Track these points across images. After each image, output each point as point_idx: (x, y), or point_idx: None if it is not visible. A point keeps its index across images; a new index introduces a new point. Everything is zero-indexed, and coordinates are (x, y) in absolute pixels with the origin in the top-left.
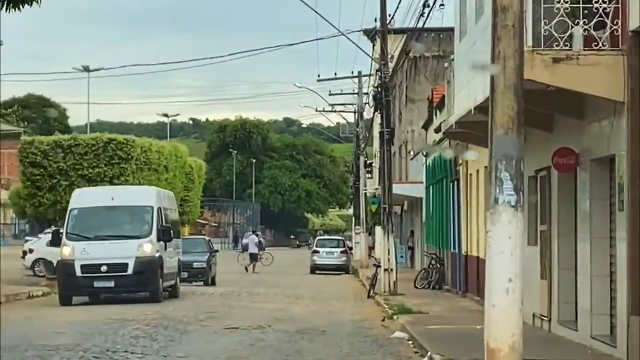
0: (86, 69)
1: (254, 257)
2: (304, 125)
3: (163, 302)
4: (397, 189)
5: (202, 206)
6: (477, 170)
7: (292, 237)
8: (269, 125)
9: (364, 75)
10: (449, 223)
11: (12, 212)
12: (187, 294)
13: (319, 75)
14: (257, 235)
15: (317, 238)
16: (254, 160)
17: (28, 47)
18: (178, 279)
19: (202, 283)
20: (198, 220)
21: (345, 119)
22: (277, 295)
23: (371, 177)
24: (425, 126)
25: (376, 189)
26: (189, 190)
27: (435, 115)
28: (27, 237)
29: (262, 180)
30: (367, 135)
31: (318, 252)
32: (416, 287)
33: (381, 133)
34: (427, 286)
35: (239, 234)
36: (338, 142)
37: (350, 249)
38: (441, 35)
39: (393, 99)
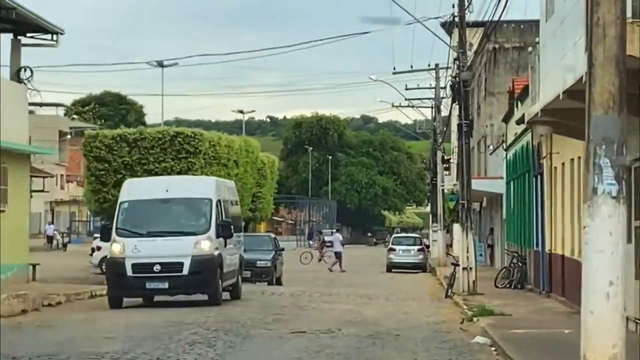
0: (160, 64)
1: (338, 256)
2: (380, 122)
3: (227, 303)
4: (476, 184)
5: (277, 203)
6: (563, 164)
7: (368, 234)
8: (345, 122)
9: (442, 68)
10: (532, 220)
11: (87, 209)
12: (255, 293)
13: (394, 68)
14: (338, 232)
15: (394, 236)
16: (330, 157)
17: (107, 43)
18: (240, 278)
19: (266, 283)
20: (274, 218)
21: (422, 113)
22: (350, 295)
23: (449, 174)
24: (506, 119)
25: (454, 185)
26: (261, 186)
27: (517, 106)
28: (95, 235)
29: (339, 178)
30: (445, 129)
31: (394, 250)
32: (497, 287)
33: (459, 125)
34: (508, 285)
35: (314, 231)
36: (415, 139)
37: (428, 246)
38: (522, 26)
39: (471, 92)
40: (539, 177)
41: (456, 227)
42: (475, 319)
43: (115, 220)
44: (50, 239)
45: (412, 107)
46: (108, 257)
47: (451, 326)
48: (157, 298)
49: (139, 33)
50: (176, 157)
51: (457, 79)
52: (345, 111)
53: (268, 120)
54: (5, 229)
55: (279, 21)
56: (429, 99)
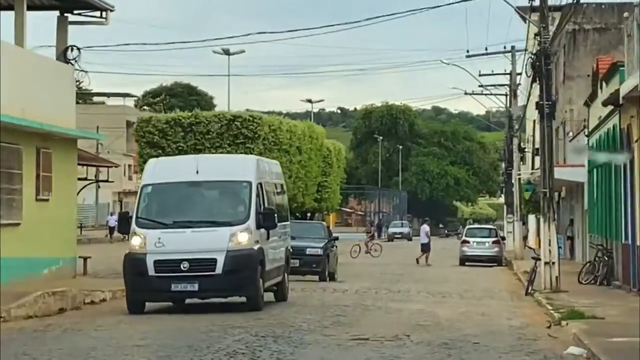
0: (226, 52)
1: (425, 248)
2: (453, 111)
3: (281, 304)
4: (555, 173)
5: (346, 194)
6: None
7: (440, 226)
8: (415, 112)
9: (518, 51)
10: (620, 210)
11: None
12: (316, 290)
13: (467, 51)
14: (426, 223)
15: (467, 227)
16: (401, 147)
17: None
18: (286, 275)
19: (317, 277)
20: (343, 209)
21: (498, 100)
22: (421, 292)
23: (524, 163)
24: (588, 102)
25: (531, 173)
26: (327, 175)
27: (601, 88)
28: None
29: (409, 168)
30: (522, 116)
31: (468, 242)
32: (580, 283)
33: (540, 107)
34: (593, 281)
35: (384, 222)
36: (488, 130)
37: (503, 238)
38: (603, 6)
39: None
40: (629, 163)
41: (531, 219)
42: (563, 322)
43: (135, 208)
44: (112, 230)
45: (486, 94)
46: (127, 252)
47: (537, 331)
48: (191, 300)
49: (203, 26)
50: (233, 143)
51: (537, 56)
52: (416, 102)
53: (339, 111)
54: (50, 220)
55: (343, 11)
56: (503, 85)
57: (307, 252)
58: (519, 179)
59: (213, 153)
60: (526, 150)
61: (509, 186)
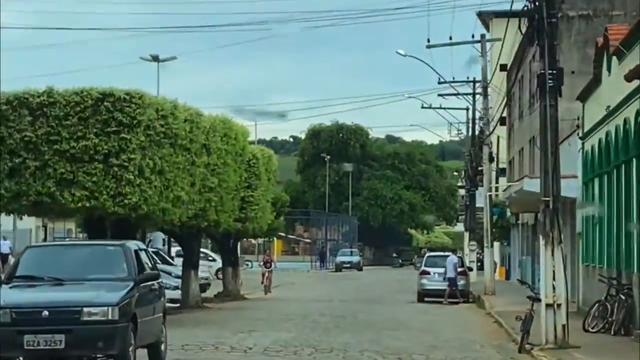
0: (155, 59)
1: (452, 283)
2: (407, 140)
3: None
4: (533, 186)
5: (291, 220)
6: None
7: (394, 255)
8: (367, 132)
9: (490, 40)
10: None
11: None
12: (205, 348)
13: (428, 41)
14: (454, 253)
15: (427, 255)
16: (351, 170)
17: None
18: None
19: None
20: (290, 236)
21: (464, 99)
22: (366, 352)
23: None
24: (583, 96)
25: (504, 190)
26: (253, 188)
27: (609, 68)
28: None
29: (361, 192)
30: (506, 103)
31: (428, 273)
32: (586, 330)
33: (541, 79)
34: (605, 329)
35: (326, 250)
36: (442, 160)
37: (470, 269)
38: None
39: (521, 79)
40: None
41: (495, 246)
42: None
43: None
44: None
45: (455, 94)
46: None
47: None
48: None
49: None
50: (102, 132)
51: (536, 3)
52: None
53: (291, 140)
54: None
55: (301, 43)
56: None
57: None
58: (490, 196)
59: (74, 147)
60: (496, 158)
61: (472, 209)
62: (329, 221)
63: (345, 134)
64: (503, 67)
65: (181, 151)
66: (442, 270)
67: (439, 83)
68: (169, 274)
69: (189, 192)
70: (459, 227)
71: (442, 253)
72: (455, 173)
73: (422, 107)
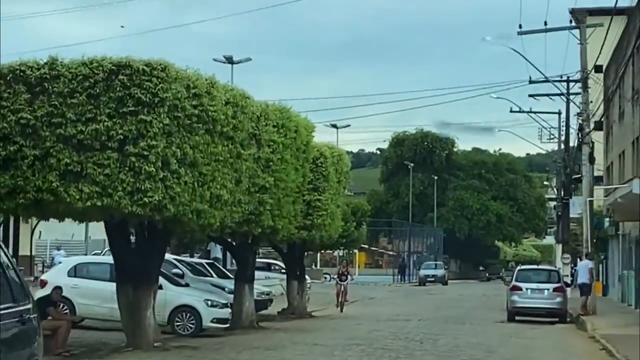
0: (229, 61)
1: (586, 290)
2: (493, 152)
3: None
4: None
5: (376, 232)
6: None
7: (480, 268)
8: (453, 140)
9: (589, 26)
10: None
11: None
12: None
13: (520, 27)
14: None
15: (518, 268)
16: (436, 179)
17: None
18: None
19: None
20: (374, 249)
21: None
22: None
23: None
24: None
25: (606, 196)
26: (320, 191)
27: None
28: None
29: (446, 203)
30: (605, 105)
31: (519, 289)
32: None
33: None
34: None
35: (408, 263)
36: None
37: (567, 284)
38: None
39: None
40: None
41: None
42: None
43: None
44: None
45: (547, 95)
46: None
47: None
48: None
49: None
50: (117, 113)
51: None
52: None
53: (378, 152)
54: None
55: (384, 54)
56: (560, 91)
57: None
58: (591, 202)
59: (81, 130)
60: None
61: (565, 219)
62: (413, 232)
63: (430, 142)
64: (598, 69)
65: (222, 140)
66: (535, 285)
67: (530, 82)
68: (223, 288)
69: (234, 191)
70: (548, 239)
71: (535, 266)
72: (546, 182)
73: (511, 111)
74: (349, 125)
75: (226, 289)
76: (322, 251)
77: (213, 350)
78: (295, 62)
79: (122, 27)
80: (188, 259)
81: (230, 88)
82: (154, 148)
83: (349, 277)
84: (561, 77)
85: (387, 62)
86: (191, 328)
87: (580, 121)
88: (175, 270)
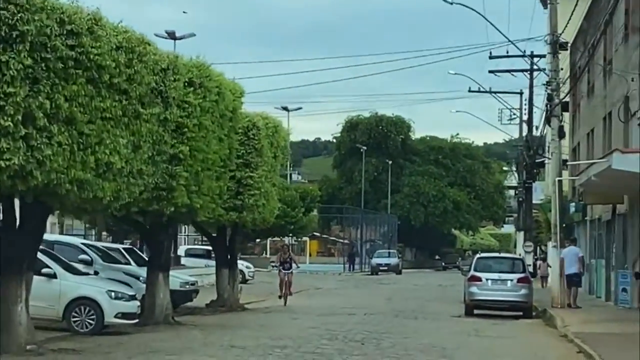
0: (172, 36)
1: (575, 281)
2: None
3: None
4: (627, 163)
5: (328, 219)
6: None
7: (436, 257)
8: (409, 124)
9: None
10: None
11: None
12: None
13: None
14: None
15: (478, 257)
16: (391, 163)
17: None
18: None
19: None
20: (326, 237)
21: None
22: None
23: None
24: None
25: (577, 175)
26: (252, 167)
27: None
28: None
29: (401, 189)
30: (571, 84)
31: (479, 279)
32: None
33: None
34: None
35: (359, 251)
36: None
37: (533, 274)
38: None
39: (592, 48)
40: None
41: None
42: None
43: None
44: None
45: (508, 71)
46: None
47: None
48: None
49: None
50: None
51: None
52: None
53: (334, 140)
54: None
55: (344, 41)
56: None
57: None
58: (560, 182)
59: None
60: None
61: (527, 205)
62: (366, 220)
63: (385, 126)
64: (563, 46)
65: (111, 93)
66: (496, 276)
67: (491, 58)
68: (137, 278)
69: (131, 159)
70: (507, 228)
71: (496, 254)
72: (505, 167)
73: (470, 91)
74: (300, 108)
75: (141, 279)
76: (271, 238)
77: (101, 354)
78: (253, 49)
79: None
80: (101, 244)
81: (123, 29)
82: (11, 96)
83: (293, 265)
84: (524, 53)
85: (347, 48)
86: (91, 324)
87: (548, 91)
88: (82, 257)
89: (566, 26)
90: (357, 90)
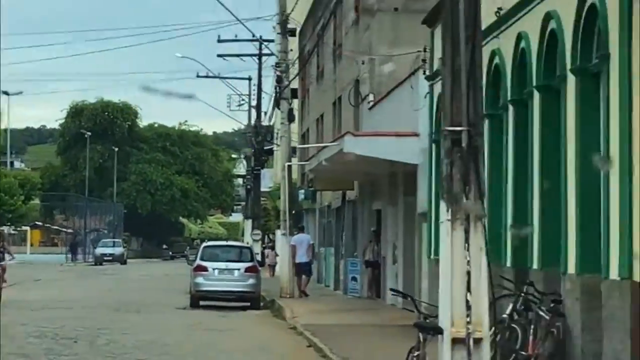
0: None
1: (305, 270)
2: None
3: None
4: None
5: (51, 207)
6: None
7: (164, 246)
8: (136, 111)
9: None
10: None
11: None
12: None
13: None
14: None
15: (204, 245)
16: (117, 150)
17: None
18: None
19: None
20: (50, 226)
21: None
22: None
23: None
24: (430, 21)
25: (307, 160)
26: None
27: None
28: None
29: (128, 177)
30: (300, 69)
31: (205, 269)
32: None
33: None
34: None
35: (81, 241)
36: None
37: (261, 264)
38: None
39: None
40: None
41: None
42: None
43: None
44: None
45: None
46: None
47: None
48: None
49: None
50: None
51: None
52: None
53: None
54: None
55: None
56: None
57: None
58: (289, 167)
59: None
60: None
61: (255, 192)
62: (91, 208)
63: (112, 112)
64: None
65: None
66: (223, 265)
67: (219, 41)
68: None
69: None
70: (235, 217)
71: (223, 243)
72: (234, 155)
73: (198, 77)
74: (21, 92)
75: None
76: None
77: None
78: None
79: None
80: None
81: None
82: None
83: (7, 255)
84: (254, 36)
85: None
86: None
87: (278, 73)
88: None
89: (295, 5)
90: (84, 76)
